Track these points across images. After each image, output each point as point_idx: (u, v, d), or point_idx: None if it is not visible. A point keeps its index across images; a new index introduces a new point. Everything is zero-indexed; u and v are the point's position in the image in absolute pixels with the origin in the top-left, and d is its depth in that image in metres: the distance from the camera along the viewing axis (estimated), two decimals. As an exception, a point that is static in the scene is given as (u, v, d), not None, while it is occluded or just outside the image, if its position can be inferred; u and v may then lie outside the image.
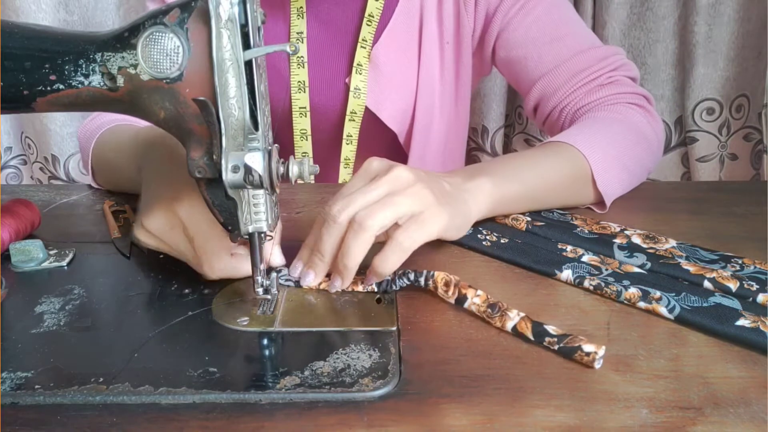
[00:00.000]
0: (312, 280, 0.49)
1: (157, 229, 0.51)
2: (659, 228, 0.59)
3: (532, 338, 0.44)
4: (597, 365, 0.41)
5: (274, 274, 0.48)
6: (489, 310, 0.46)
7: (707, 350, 0.42)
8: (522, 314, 0.45)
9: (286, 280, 0.50)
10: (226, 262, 0.48)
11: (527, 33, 0.77)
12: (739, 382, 0.39)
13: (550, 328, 0.43)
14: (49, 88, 0.41)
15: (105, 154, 0.71)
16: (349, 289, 0.49)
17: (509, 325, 0.45)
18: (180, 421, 0.37)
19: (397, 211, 0.47)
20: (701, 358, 0.42)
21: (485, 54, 0.83)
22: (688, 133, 1.15)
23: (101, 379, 0.40)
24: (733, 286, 0.48)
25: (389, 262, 0.47)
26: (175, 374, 0.40)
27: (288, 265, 0.52)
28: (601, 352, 0.41)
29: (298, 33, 0.80)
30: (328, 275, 0.50)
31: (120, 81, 0.40)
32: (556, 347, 0.42)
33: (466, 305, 0.47)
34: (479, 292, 0.48)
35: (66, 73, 0.40)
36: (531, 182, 0.61)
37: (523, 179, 0.60)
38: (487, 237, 0.57)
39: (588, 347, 0.41)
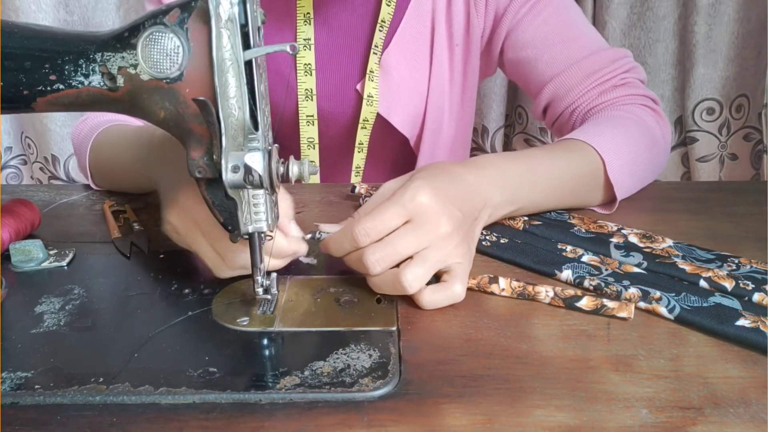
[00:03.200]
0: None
1: (177, 226, 0.51)
2: (659, 228, 0.59)
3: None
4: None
5: (274, 274, 0.48)
6: (519, 297, 0.49)
7: (707, 350, 0.42)
8: (550, 294, 0.48)
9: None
10: (242, 258, 0.48)
11: (537, 33, 0.77)
12: (739, 382, 0.39)
13: (582, 305, 0.47)
14: (49, 88, 0.40)
15: (105, 154, 0.71)
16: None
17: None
18: (180, 421, 0.37)
19: (438, 267, 0.48)
20: (701, 358, 0.42)
21: (492, 55, 0.82)
22: (688, 133, 1.15)
23: (101, 379, 0.40)
24: (728, 285, 0.48)
25: (383, 288, 0.48)
26: (175, 374, 0.40)
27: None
28: (632, 314, 0.46)
29: (305, 40, 0.79)
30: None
31: (120, 81, 0.40)
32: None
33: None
34: (502, 285, 0.49)
35: (66, 73, 0.40)
36: (543, 195, 0.61)
37: (538, 195, 0.60)
38: (487, 237, 0.57)
39: (622, 314, 0.46)
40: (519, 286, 0.49)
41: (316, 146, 0.83)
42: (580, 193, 0.63)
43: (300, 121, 0.82)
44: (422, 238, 0.47)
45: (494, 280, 0.50)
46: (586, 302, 0.47)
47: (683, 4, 1.09)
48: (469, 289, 0.49)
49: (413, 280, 0.46)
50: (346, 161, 0.86)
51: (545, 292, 0.48)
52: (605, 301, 0.47)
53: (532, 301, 0.48)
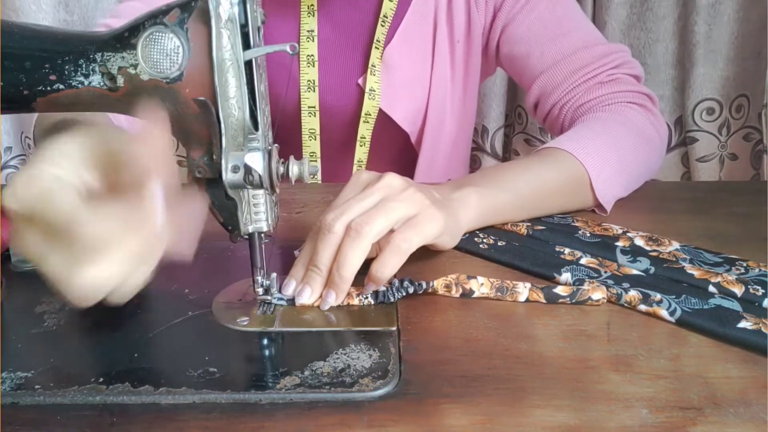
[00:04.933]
0: (308, 296, 0.47)
1: None
2: (660, 228, 0.59)
3: (545, 302, 0.48)
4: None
5: (274, 274, 0.48)
6: (498, 293, 0.48)
7: (707, 350, 0.42)
8: (528, 285, 0.49)
9: (279, 299, 0.48)
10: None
11: (530, 29, 0.77)
12: (739, 382, 0.39)
13: (560, 290, 0.48)
14: (49, 88, 0.40)
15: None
16: (345, 303, 0.48)
17: (521, 299, 0.48)
18: (180, 421, 0.37)
19: (393, 216, 0.47)
20: (701, 358, 0.42)
21: (490, 51, 0.83)
22: (688, 133, 1.15)
23: (101, 379, 0.40)
24: (738, 290, 0.48)
25: (387, 266, 0.46)
26: (175, 374, 0.40)
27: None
28: (605, 294, 0.48)
29: (308, 31, 0.79)
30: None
31: (120, 81, 0.40)
32: (569, 303, 0.48)
33: (474, 297, 0.49)
34: (481, 280, 0.49)
35: (66, 73, 0.40)
36: (522, 190, 0.60)
37: (514, 187, 0.60)
38: (484, 240, 0.57)
39: (596, 296, 0.47)
40: (497, 281, 0.49)
41: (317, 137, 0.83)
42: (563, 200, 0.63)
43: (302, 111, 0.82)
44: (381, 192, 0.48)
45: (472, 276, 0.49)
46: (562, 289, 0.48)
47: (683, 4, 1.09)
48: (447, 286, 0.49)
49: (369, 229, 0.45)
50: (348, 154, 0.86)
51: (523, 285, 0.48)
52: (580, 286, 0.48)
53: (512, 298, 0.48)
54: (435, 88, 0.82)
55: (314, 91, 0.81)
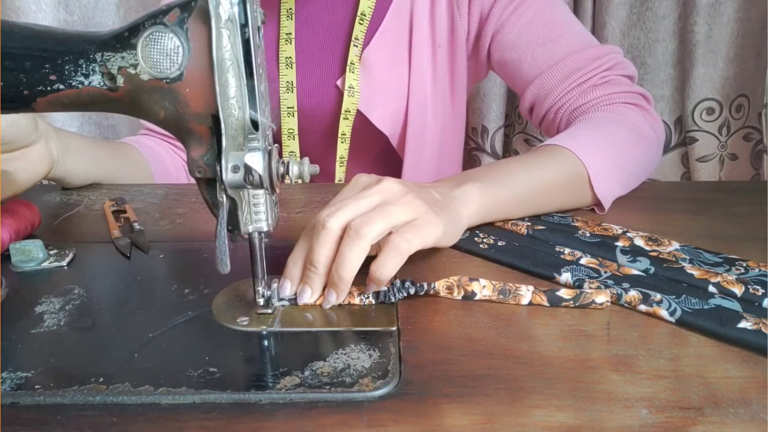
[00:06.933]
0: (309, 296, 0.47)
1: None
2: (660, 228, 0.59)
3: (548, 305, 0.47)
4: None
5: (275, 285, 0.48)
6: (501, 296, 0.48)
7: (707, 350, 0.42)
8: (531, 288, 0.48)
9: (279, 300, 0.48)
10: None
11: (521, 35, 0.77)
12: (739, 382, 0.39)
13: (563, 293, 0.47)
14: (49, 88, 0.40)
15: None
16: (346, 302, 0.48)
17: (524, 302, 0.48)
18: (180, 421, 0.37)
19: (392, 220, 0.47)
20: (701, 358, 0.42)
21: (481, 57, 0.83)
22: (688, 133, 1.15)
23: (101, 379, 0.40)
24: (738, 290, 0.48)
25: (386, 267, 0.46)
26: (175, 374, 0.40)
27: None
28: (609, 297, 0.47)
29: (286, 34, 0.81)
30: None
31: (120, 81, 0.40)
32: (572, 306, 0.47)
33: (476, 299, 0.48)
34: (483, 282, 0.49)
35: (66, 73, 0.40)
36: (522, 186, 0.60)
37: (514, 183, 0.59)
38: (484, 240, 0.57)
39: (599, 299, 0.47)
40: (499, 284, 0.49)
41: (296, 137, 0.85)
42: (562, 197, 0.63)
43: (281, 112, 0.83)
44: (380, 196, 0.48)
45: (474, 278, 0.49)
46: (565, 292, 0.47)
47: (683, 4, 1.09)
48: (449, 288, 0.49)
49: (368, 231, 0.45)
50: (329, 153, 0.87)
51: (525, 287, 0.48)
52: (583, 288, 0.48)
53: (514, 301, 0.48)
54: (414, 92, 0.83)
55: (292, 92, 0.82)
